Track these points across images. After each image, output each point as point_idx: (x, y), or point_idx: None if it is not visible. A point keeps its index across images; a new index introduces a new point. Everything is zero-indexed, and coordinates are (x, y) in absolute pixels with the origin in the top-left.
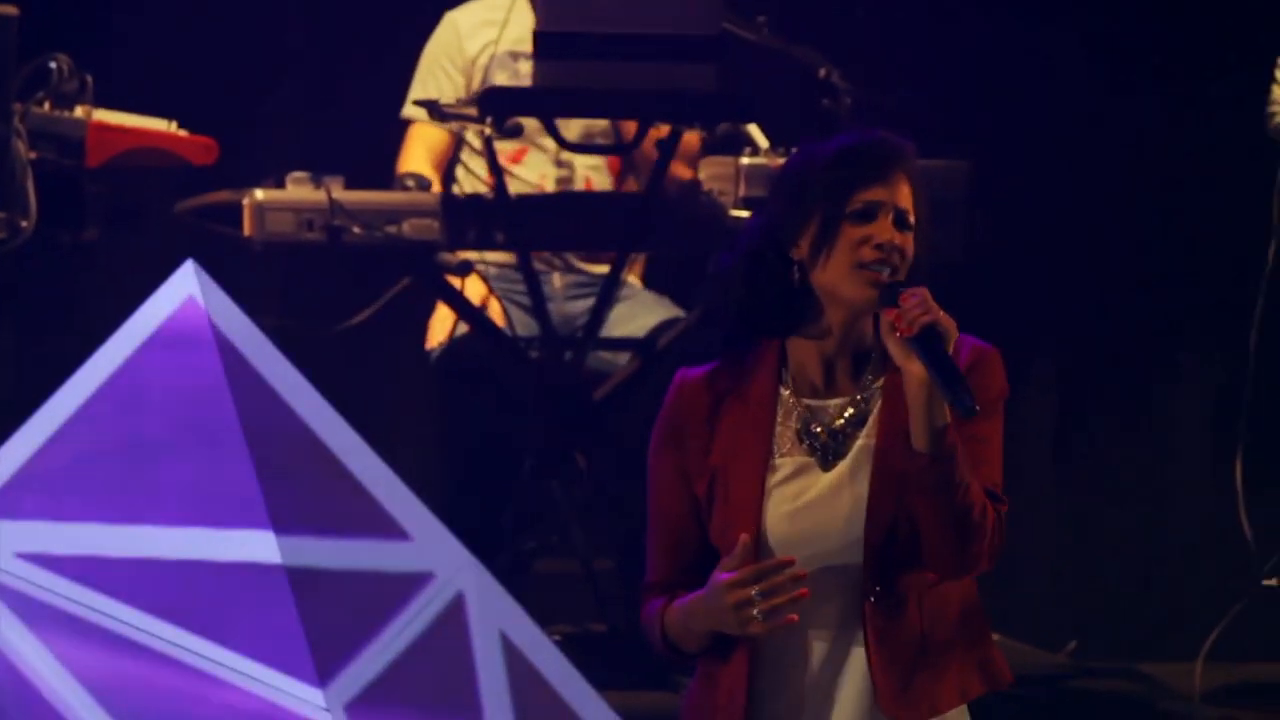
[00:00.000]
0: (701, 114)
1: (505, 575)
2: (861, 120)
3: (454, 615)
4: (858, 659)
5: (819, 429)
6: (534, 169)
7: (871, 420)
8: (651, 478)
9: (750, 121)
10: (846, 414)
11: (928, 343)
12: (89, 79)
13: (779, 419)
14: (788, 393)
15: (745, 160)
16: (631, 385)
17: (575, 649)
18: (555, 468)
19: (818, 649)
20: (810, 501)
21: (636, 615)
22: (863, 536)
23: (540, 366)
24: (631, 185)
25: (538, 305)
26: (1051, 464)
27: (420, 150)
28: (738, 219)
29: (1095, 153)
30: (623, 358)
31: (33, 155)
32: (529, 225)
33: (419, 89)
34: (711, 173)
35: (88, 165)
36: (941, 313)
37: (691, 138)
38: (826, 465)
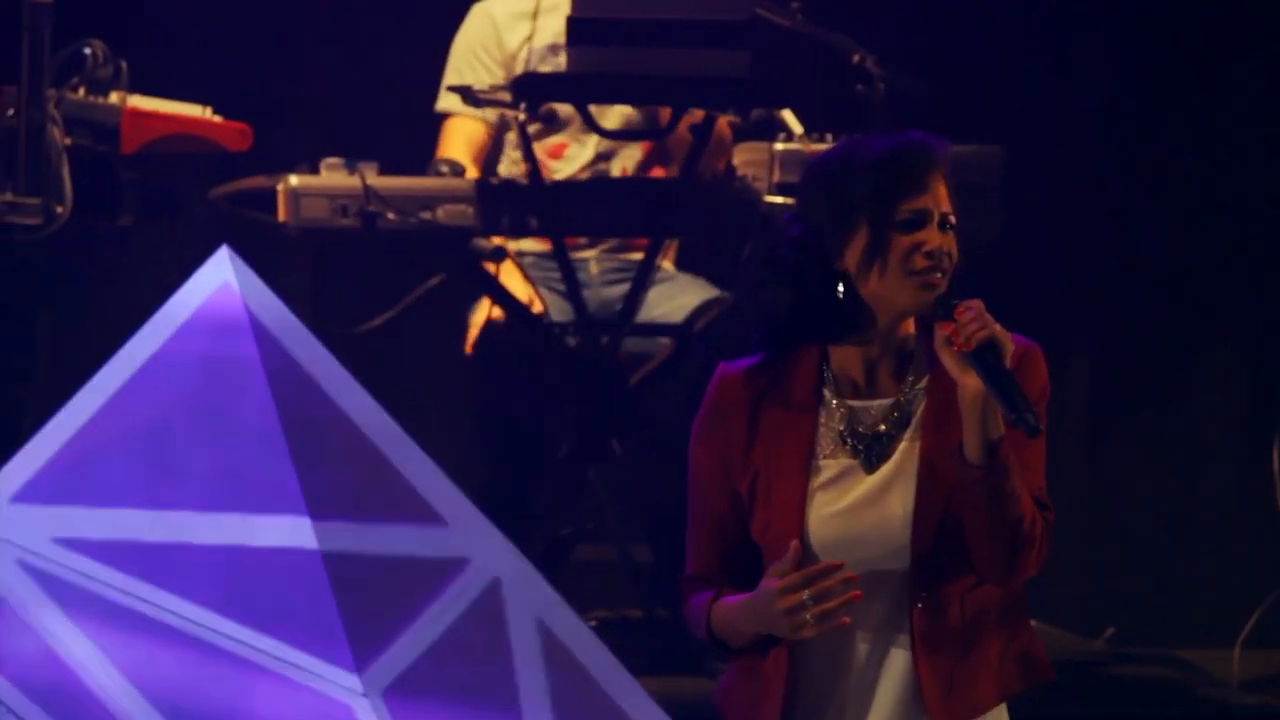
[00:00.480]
0: (735, 100)
1: (541, 561)
2: (894, 106)
3: (490, 600)
4: (901, 660)
5: (862, 430)
6: (573, 163)
7: (915, 422)
8: (692, 471)
9: (784, 107)
10: (890, 415)
11: (987, 359)
12: (124, 65)
13: (821, 420)
14: (830, 394)
15: (779, 146)
16: (668, 369)
17: (611, 634)
18: (591, 453)
19: (860, 650)
20: (854, 504)
21: (673, 600)
22: (909, 540)
23: (576, 351)
24: (660, 174)
25: (572, 290)
26: (1088, 450)
27: (458, 143)
28: (771, 204)
29: (1131, 136)
30: (658, 342)
31: (68, 141)
32: (564, 210)
33: (455, 79)
34: (745, 158)
35: (123, 151)
36: (997, 326)
37: (723, 126)
38: (870, 467)
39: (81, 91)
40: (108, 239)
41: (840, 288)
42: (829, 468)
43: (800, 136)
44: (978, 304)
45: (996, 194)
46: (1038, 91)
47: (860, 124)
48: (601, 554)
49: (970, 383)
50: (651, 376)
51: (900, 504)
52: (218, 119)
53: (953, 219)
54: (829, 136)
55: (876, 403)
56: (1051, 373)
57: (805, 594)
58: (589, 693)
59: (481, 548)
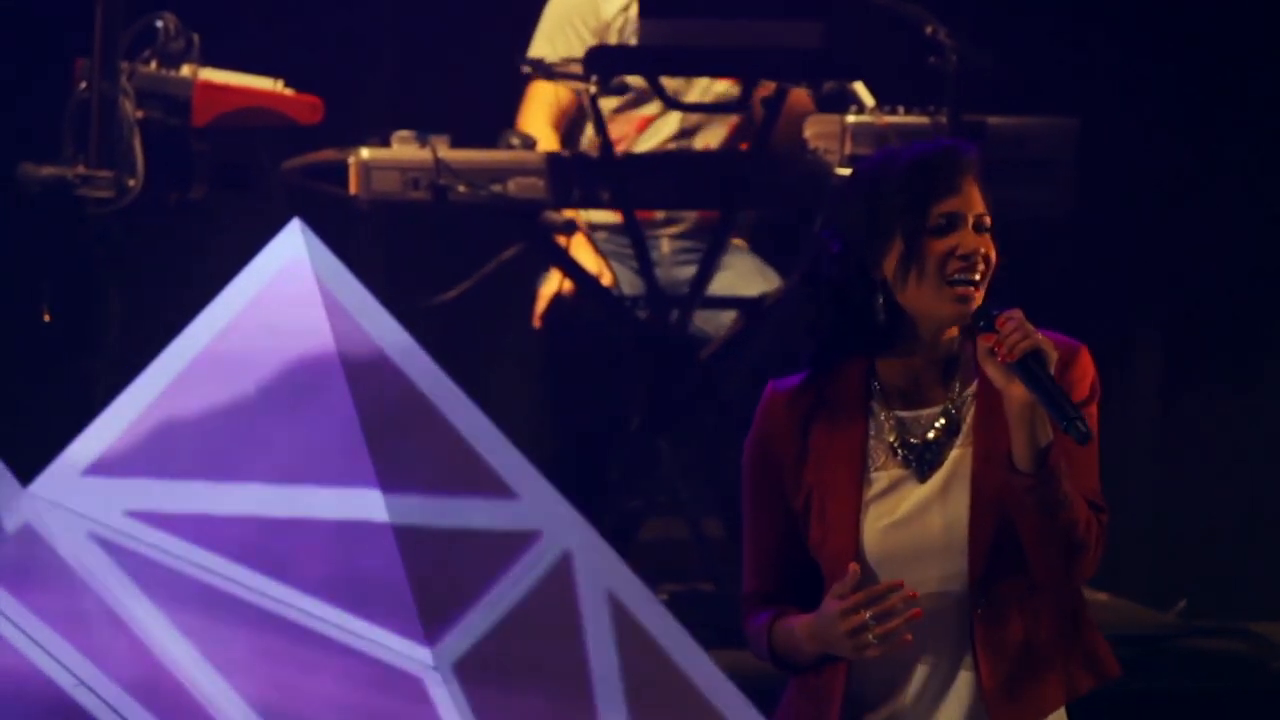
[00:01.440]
0: (807, 72)
1: (612, 534)
2: (967, 79)
3: (561, 574)
4: (962, 668)
5: (913, 440)
6: (657, 136)
7: (965, 429)
8: (746, 492)
9: (856, 79)
10: (939, 424)
11: (1031, 369)
12: (195, 38)
13: (871, 432)
14: (878, 405)
15: (851, 118)
16: (736, 345)
17: (682, 608)
18: (661, 426)
19: (920, 659)
20: (908, 514)
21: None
22: (966, 547)
23: (646, 325)
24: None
25: (643, 263)
26: (1160, 421)
27: (540, 108)
28: (843, 177)
29: (1203, 110)
30: (725, 321)
31: (140, 114)
32: (634, 183)
33: (544, 44)
34: (817, 131)
35: (194, 124)
36: (1039, 335)
37: (805, 98)
38: (923, 476)
39: (153, 65)
40: (179, 212)
41: (880, 299)
42: (881, 479)
43: (872, 109)
44: (1018, 313)
45: (1069, 168)
46: (1118, 66)
47: (933, 96)
48: (672, 527)
49: (1016, 392)
50: (721, 350)
51: (955, 512)
52: (289, 92)
53: (987, 220)
54: (901, 109)
55: (925, 411)
56: (1123, 344)
57: (867, 614)
58: (660, 666)
59: (553, 521)
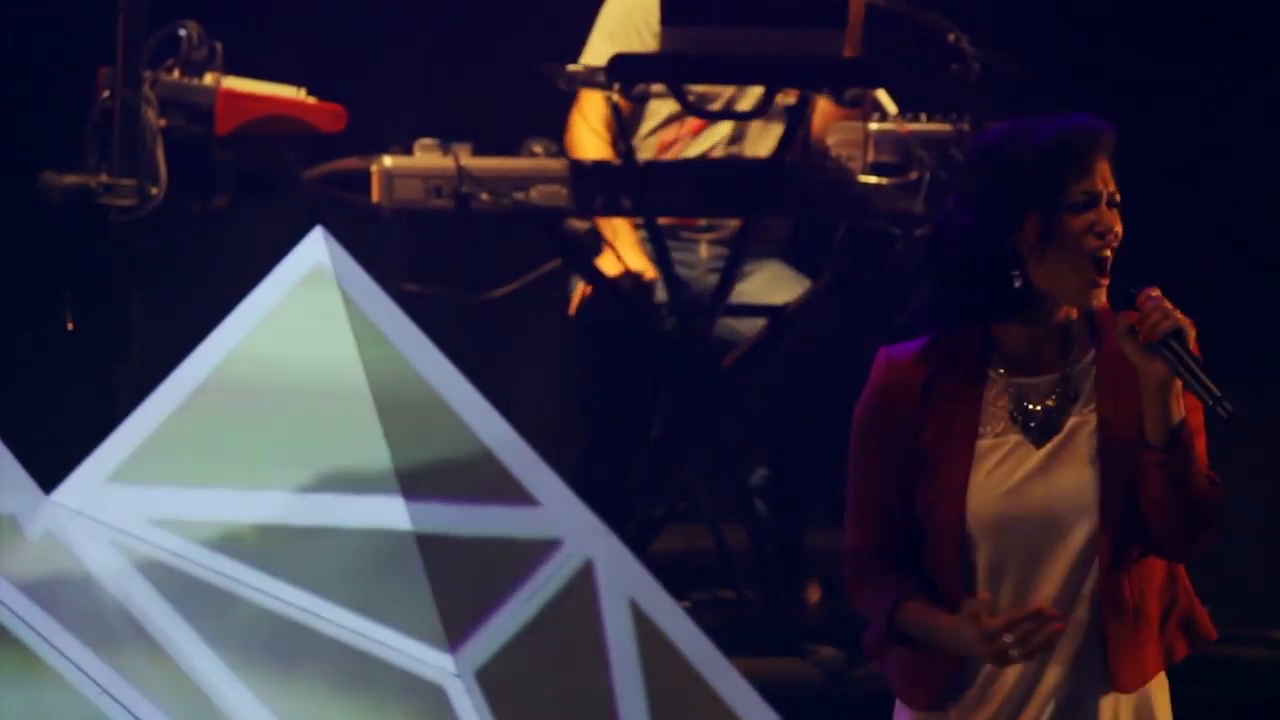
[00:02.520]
0: (830, 79)
1: (634, 542)
2: (990, 86)
3: (583, 582)
4: (1079, 630)
5: (1030, 407)
6: (708, 141)
7: (1084, 396)
8: (858, 452)
9: (879, 87)
10: (1057, 391)
11: (1175, 349)
12: (219, 46)
13: (988, 398)
14: (995, 372)
15: (874, 126)
16: (761, 351)
17: (705, 616)
18: (684, 434)
19: None
20: (1025, 480)
21: (765, 582)
22: (1088, 512)
23: (672, 332)
24: None
25: (665, 269)
26: None
27: (593, 113)
28: (865, 185)
29: (1226, 112)
30: (750, 328)
31: (163, 123)
32: (657, 191)
33: (604, 45)
34: (840, 138)
35: (217, 132)
36: (1179, 313)
37: (829, 103)
38: (1039, 443)
39: (176, 73)
40: (202, 220)
41: (1016, 272)
42: (998, 445)
43: (895, 116)
44: (1157, 291)
45: None
46: (1142, 65)
47: (955, 104)
48: (695, 536)
49: (1155, 370)
50: (745, 358)
51: (1072, 478)
52: (312, 100)
53: (1118, 197)
54: (923, 116)
55: (1043, 379)
56: None
57: (1009, 638)
58: (683, 675)
59: (574, 528)
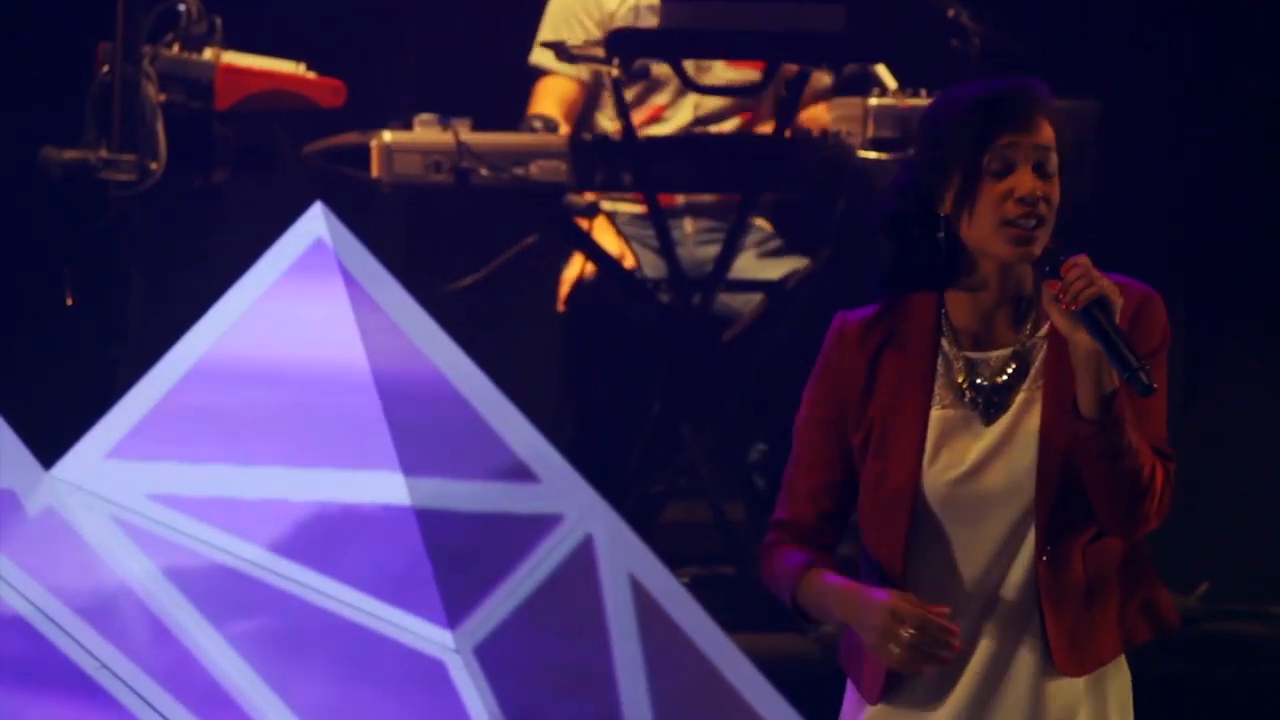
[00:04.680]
0: (829, 55)
1: (633, 518)
2: (991, 62)
3: (583, 557)
4: (1026, 615)
5: (981, 381)
6: (669, 126)
7: (1034, 373)
8: (804, 419)
9: (878, 62)
10: (1009, 367)
11: (1095, 317)
12: (218, 21)
13: (940, 371)
14: (948, 344)
15: (873, 101)
16: (759, 328)
17: (704, 592)
18: (683, 410)
19: (983, 605)
20: (973, 456)
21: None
22: (1032, 492)
23: (668, 308)
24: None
25: (666, 247)
26: (1182, 403)
27: (550, 102)
28: (865, 160)
29: (1227, 86)
30: (747, 303)
31: (162, 98)
32: (656, 167)
33: (549, 36)
34: (839, 114)
35: (217, 108)
36: (1105, 281)
37: (823, 78)
38: (989, 419)
39: (176, 48)
40: (202, 195)
41: (940, 234)
42: (946, 420)
43: (894, 92)
44: (1084, 260)
45: (1090, 151)
46: (1135, 46)
47: (955, 79)
48: (693, 510)
49: (1081, 339)
50: (744, 334)
51: (1021, 456)
52: (311, 75)
53: (1053, 160)
54: (923, 92)
55: (995, 353)
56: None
57: (910, 632)
58: (682, 649)
59: (575, 504)
